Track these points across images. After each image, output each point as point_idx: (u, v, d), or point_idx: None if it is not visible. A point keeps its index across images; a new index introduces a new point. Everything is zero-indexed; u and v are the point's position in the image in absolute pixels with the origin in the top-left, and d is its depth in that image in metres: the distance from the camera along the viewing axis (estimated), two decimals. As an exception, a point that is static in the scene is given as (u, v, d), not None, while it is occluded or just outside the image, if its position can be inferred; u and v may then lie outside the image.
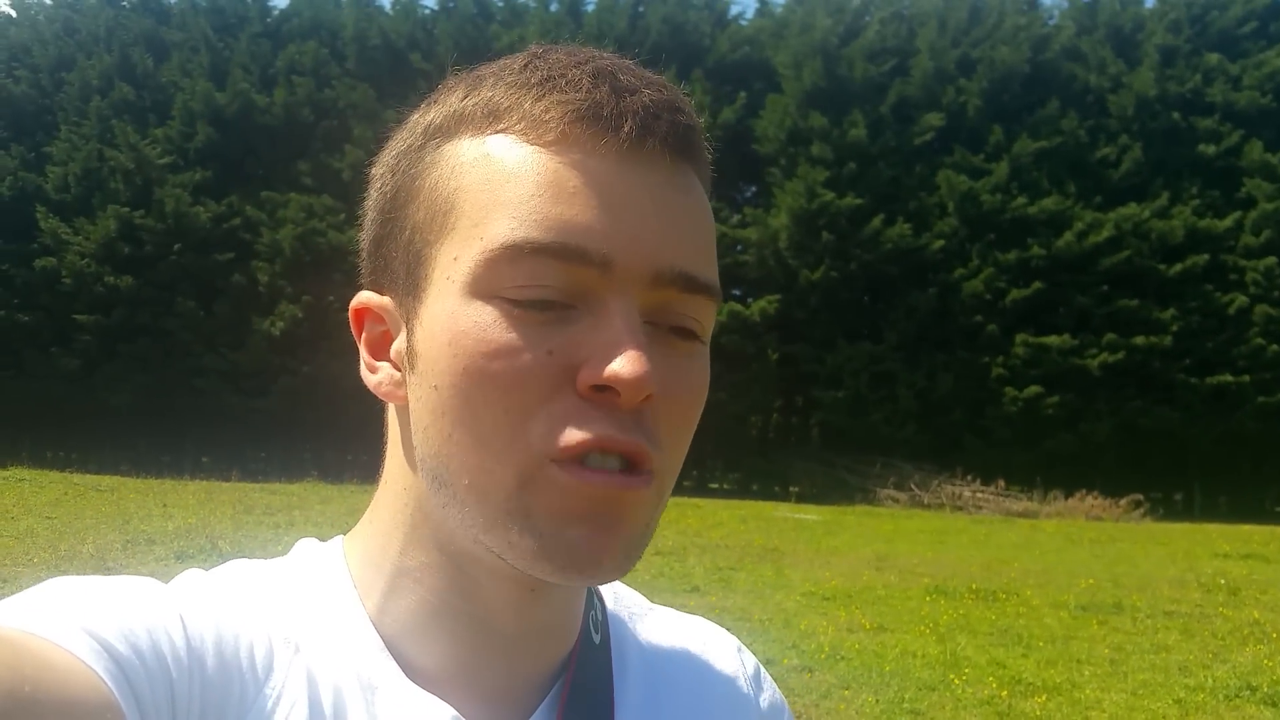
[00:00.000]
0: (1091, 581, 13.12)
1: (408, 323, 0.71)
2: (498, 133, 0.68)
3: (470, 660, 0.73)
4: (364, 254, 0.77)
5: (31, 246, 32.99)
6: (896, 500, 27.82)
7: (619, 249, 0.65)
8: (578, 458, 0.64)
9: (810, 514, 22.39)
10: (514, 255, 0.64)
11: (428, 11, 38.46)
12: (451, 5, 37.92)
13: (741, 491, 31.18)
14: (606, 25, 36.52)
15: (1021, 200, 32.61)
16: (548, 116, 0.66)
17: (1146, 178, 33.40)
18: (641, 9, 37.74)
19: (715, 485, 33.47)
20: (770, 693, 0.91)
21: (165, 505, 16.03)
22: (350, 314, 0.76)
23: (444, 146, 0.70)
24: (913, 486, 28.30)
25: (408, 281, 0.71)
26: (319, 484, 21.34)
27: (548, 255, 0.64)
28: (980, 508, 27.11)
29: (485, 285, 0.65)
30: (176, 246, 32.09)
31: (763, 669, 0.92)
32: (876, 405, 32.35)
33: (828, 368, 32.70)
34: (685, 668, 0.86)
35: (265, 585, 0.74)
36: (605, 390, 0.64)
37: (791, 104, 34.15)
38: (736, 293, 34.50)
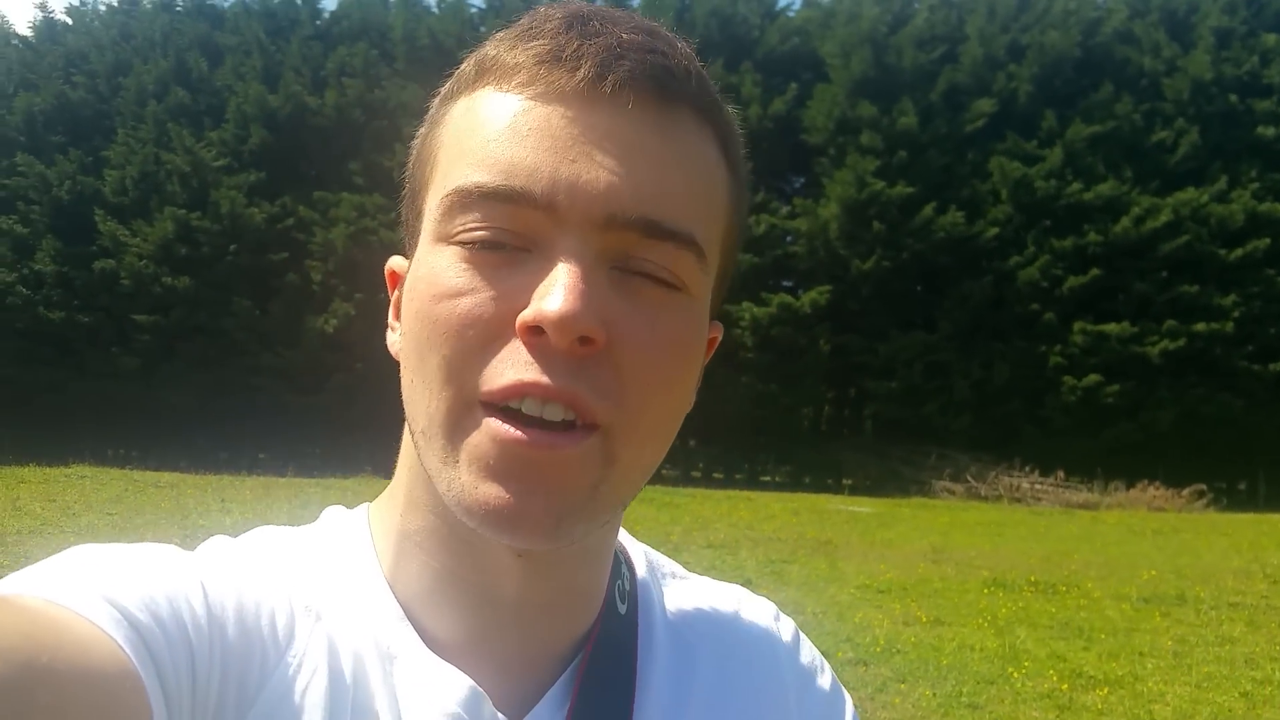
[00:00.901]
0: (1154, 573, 12.92)
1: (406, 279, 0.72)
2: (482, 87, 0.69)
3: (480, 629, 0.72)
4: (400, 220, 0.78)
5: (91, 249, 33.54)
6: (952, 492, 27.56)
7: (565, 190, 0.64)
8: (505, 404, 0.63)
9: (864, 506, 22.26)
10: (465, 200, 0.65)
11: (475, 11, 38.64)
12: (499, 3, 38.04)
13: (793, 484, 31.03)
14: (653, 18, 36.37)
15: (1077, 186, 32.13)
16: (515, 62, 0.67)
17: (1204, 161, 32.74)
18: (689, 2, 37.63)
19: (767, 478, 33.34)
20: (810, 654, 0.89)
21: (223, 500, 16.27)
22: (386, 278, 0.79)
23: (448, 108, 0.72)
24: (969, 478, 28.01)
25: (411, 239, 0.73)
26: (373, 478, 21.54)
27: (495, 199, 0.64)
28: (1039, 499, 26.79)
29: (442, 231, 0.66)
30: (232, 247, 32.51)
31: (803, 635, 0.90)
32: (931, 396, 32.07)
33: (880, 358, 32.46)
34: (716, 635, 0.84)
35: (289, 552, 0.74)
36: (540, 332, 0.62)
37: (840, 93, 33.88)
38: (787, 284, 34.35)
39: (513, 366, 0.63)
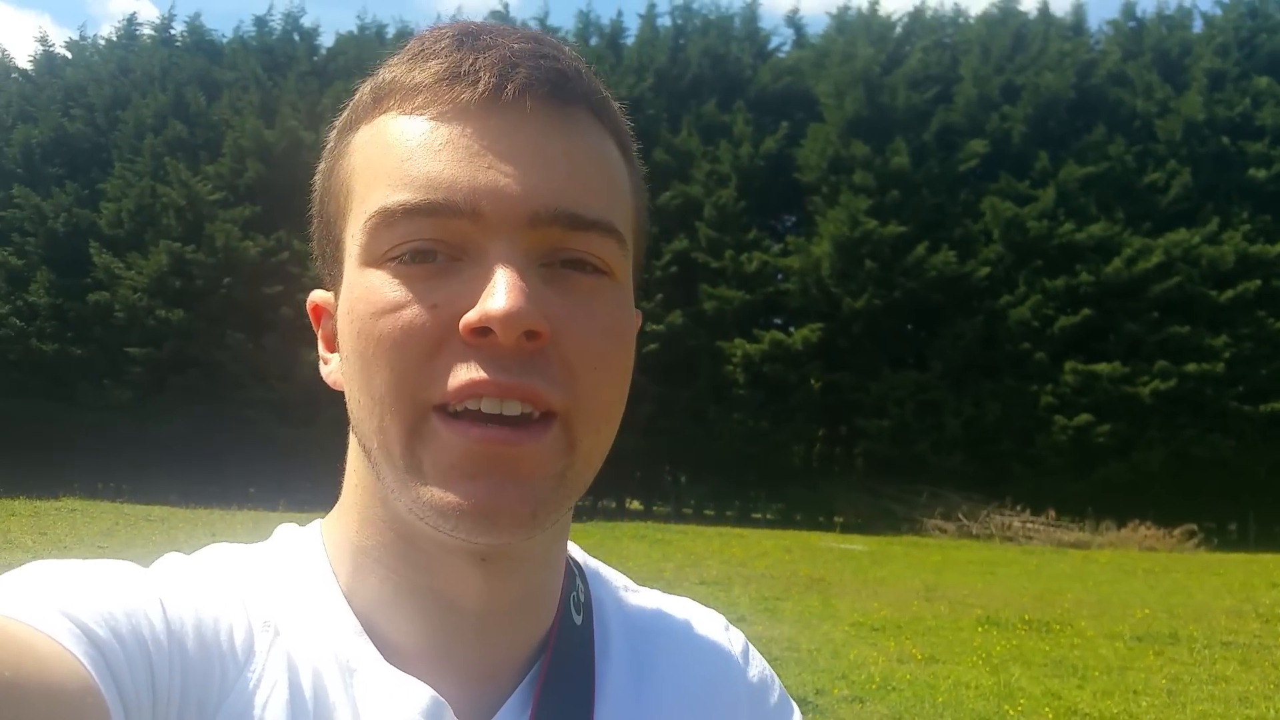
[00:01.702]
0: (1146, 612, 12.93)
1: (335, 309, 0.74)
2: (383, 113, 0.71)
3: (441, 639, 0.73)
4: (314, 257, 0.79)
5: (85, 281, 33.55)
6: (944, 530, 27.53)
7: (486, 197, 0.66)
8: (462, 406, 0.65)
9: (856, 544, 22.23)
10: (390, 219, 0.66)
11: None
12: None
13: (785, 521, 31.00)
14: (647, 58, 36.78)
15: (1069, 226, 32.34)
16: (415, 84, 0.69)
17: (1196, 203, 33.00)
18: (682, 41, 37.97)
19: (758, 515, 33.31)
20: (760, 667, 0.89)
21: (214, 535, 16.16)
22: (310, 313, 0.79)
23: (349, 139, 0.73)
24: (960, 516, 27.99)
25: (333, 271, 0.74)
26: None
27: (419, 214, 0.66)
28: (1031, 538, 26.77)
29: (371, 253, 0.67)
30: (226, 280, 32.52)
31: (752, 647, 0.91)
32: (922, 434, 32.09)
33: (872, 396, 32.50)
34: (670, 646, 0.85)
35: (244, 569, 0.74)
36: (486, 333, 0.64)
37: (833, 132, 34.14)
38: (779, 321, 34.46)
39: (465, 368, 0.64)
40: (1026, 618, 11.99)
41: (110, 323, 32.98)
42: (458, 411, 0.65)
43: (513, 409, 0.65)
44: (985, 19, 37.71)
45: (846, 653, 9.54)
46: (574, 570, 0.84)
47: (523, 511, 0.66)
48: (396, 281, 0.66)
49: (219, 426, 31.71)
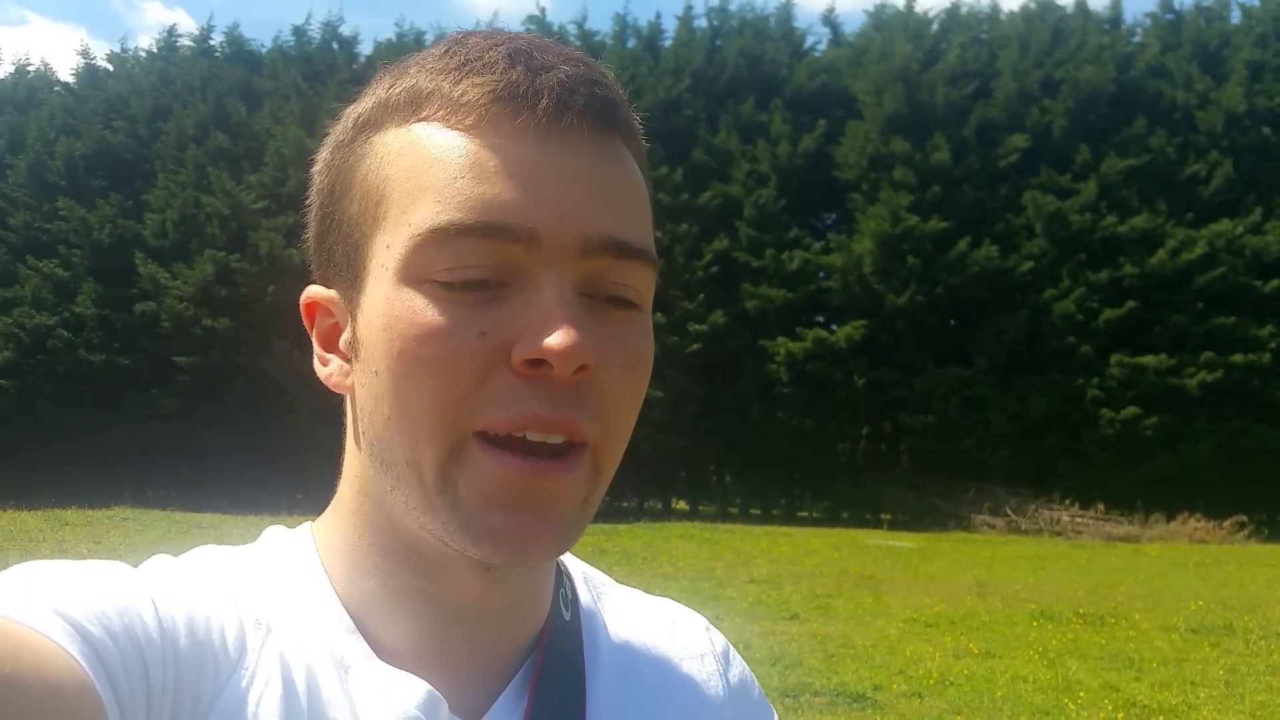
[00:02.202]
0: (1200, 604, 12.84)
1: (351, 313, 0.73)
2: (421, 120, 0.70)
3: (437, 638, 0.74)
4: (310, 249, 0.79)
5: (131, 291, 33.90)
6: (992, 526, 27.36)
7: (544, 222, 0.66)
8: (507, 436, 0.66)
9: (904, 541, 22.15)
10: (440, 238, 0.66)
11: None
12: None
13: (831, 519, 30.89)
14: (684, 59, 36.76)
15: (1111, 219, 32.04)
16: (466, 99, 0.68)
17: (1238, 194, 32.63)
18: (718, 42, 37.92)
19: (804, 513, 33.20)
20: (739, 669, 0.91)
21: (268, 541, 16.30)
22: (301, 308, 0.78)
23: (373, 138, 0.72)
24: (1008, 512, 27.80)
25: (349, 273, 0.73)
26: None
27: (473, 235, 0.66)
28: (1080, 532, 26.57)
29: (415, 270, 0.67)
30: (271, 289, 32.76)
31: (732, 648, 0.93)
32: (967, 430, 31.90)
33: (916, 393, 32.32)
34: (655, 645, 0.87)
35: (235, 568, 0.75)
36: (540, 365, 0.64)
37: (872, 130, 33.98)
38: (821, 319, 34.34)
39: (515, 400, 0.65)
40: (1081, 611, 11.94)
41: (157, 332, 33.30)
42: (499, 439, 0.66)
43: (555, 439, 0.66)
44: (1023, 13, 37.33)
45: (902, 649, 9.54)
46: (560, 568, 0.86)
47: (552, 541, 0.68)
48: (442, 305, 0.66)
49: (266, 434, 31.98)
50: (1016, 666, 8.94)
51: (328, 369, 0.77)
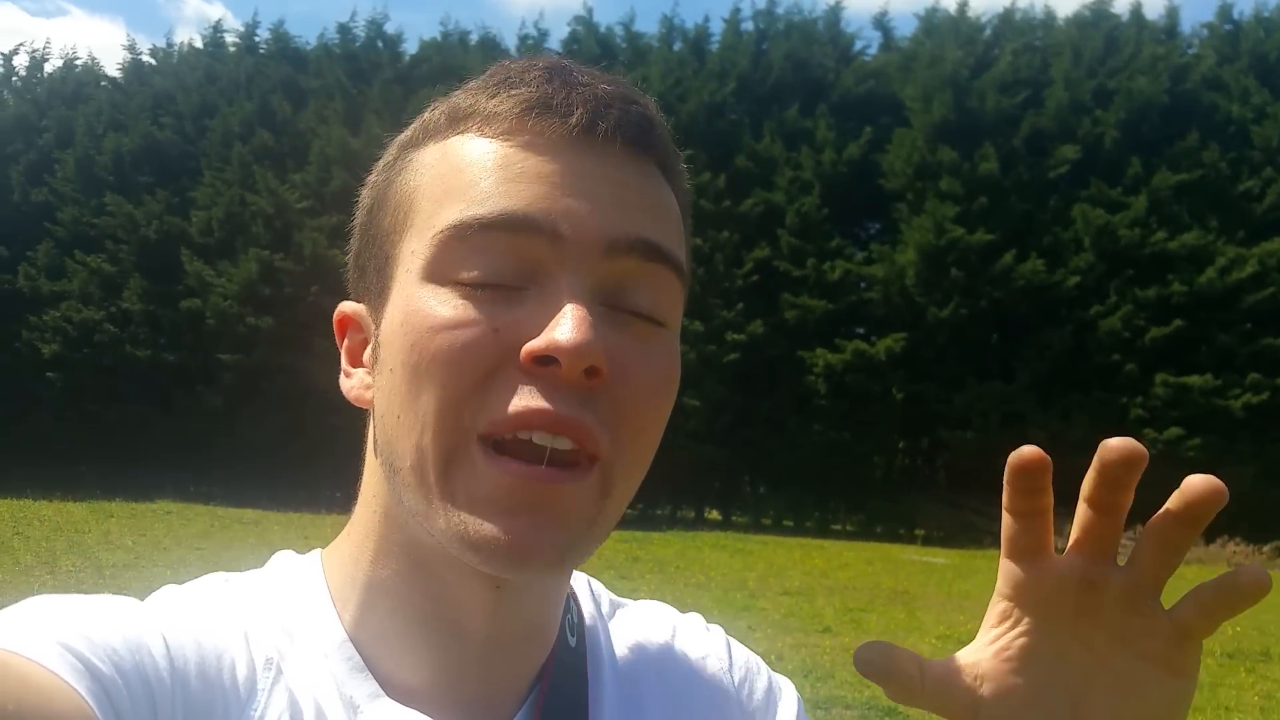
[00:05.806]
0: (1237, 629, 12.58)
1: (376, 322, 0.72)
2: (458, 134, 0.70)
3: (447, 670, 0.72)
4: (349, 268, 0.78)
5: (177, 288, 34.27)
6: (1030, 544, 27.05)
7: (568, 219, 0.65)
8: (512, 435, 0.64)
9: (938, 557, 21.93)
10: (462, 234, 0.66)
11: (555, 53, 39.13)
12: (575, 47, 38.53)
13: (865, 533, 30.68)
14: (729, 63, 36.66)
15: (1161, 235, 31.59)
16: (500, 110, 0.69)
17: (1292, 211, 32.14)
18: (765, 46, 37.80)
19: (838, 526, 33.00)
20: (743, 659, 0.90)
21: (306, 537, 16.38)
22: (334, 324, 0.78)
23: (412, 155, 0.73)
24: (1047, 530, 27.49)
25: (378, 284, 0.72)
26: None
27: (496, 229, 0.65)
28: (1119, 553, 26.24)
29: (438, 269, 0.66)
30: (314, 288, 32.95)
31: (732, 639, 0.92)
32: (1007, 446, 31.23)
33: (955, 408, 32.02)
34: (660, 659, 0.86)
35: (244, 602, 0.73)
36: (548, 362, 0.63)
37: (920, 138, 33.72)
38: (861, 331, 34.10)
39: (520, 396, 0.63)
40: (1122, 634, 11.72)
41: (202, 329, 33.65)
42: (503, 442, 0.65)
43: (563, 444, 0.64)
44: (1076, 21, 36.96)
45: (937, 667, 9.38)
46: (566, 592, 0.83)
47: (554, 555, 0.66)
48: (461, 300, 0.65)
49: (307, 432, 32.16)
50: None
51: (350, 382, 0.76)
